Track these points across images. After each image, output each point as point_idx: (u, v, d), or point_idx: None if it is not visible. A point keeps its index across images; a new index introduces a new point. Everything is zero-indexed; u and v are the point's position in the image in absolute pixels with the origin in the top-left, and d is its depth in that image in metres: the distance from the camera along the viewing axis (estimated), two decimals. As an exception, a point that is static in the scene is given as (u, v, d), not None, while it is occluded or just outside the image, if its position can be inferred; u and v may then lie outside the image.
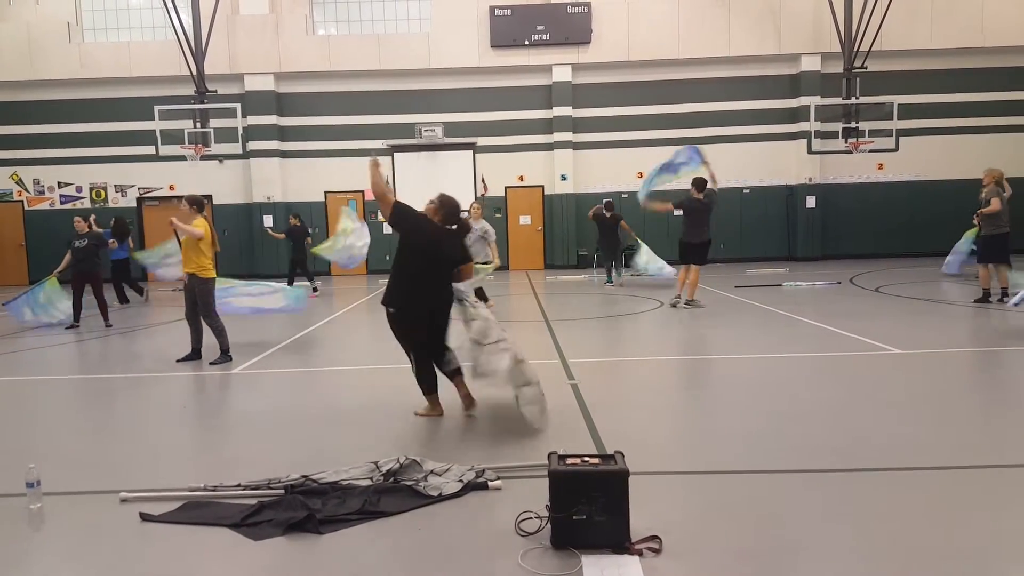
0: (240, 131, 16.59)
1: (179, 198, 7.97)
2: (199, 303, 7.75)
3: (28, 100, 19.18)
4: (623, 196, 19.33)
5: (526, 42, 18.73)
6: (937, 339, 8.19)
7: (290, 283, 14.76)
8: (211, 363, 7.68)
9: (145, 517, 3.66)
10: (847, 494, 3.77)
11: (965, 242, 12.84)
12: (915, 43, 18.56)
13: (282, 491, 3.88)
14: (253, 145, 18.54)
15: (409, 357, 5.37)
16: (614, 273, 14.84)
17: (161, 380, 7.12)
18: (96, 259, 11.40)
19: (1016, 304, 9.21)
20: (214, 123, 16.67)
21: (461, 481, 3.93)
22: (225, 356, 7.80)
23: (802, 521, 3.45)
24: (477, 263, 10.69)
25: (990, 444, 4.51)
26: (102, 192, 19.56)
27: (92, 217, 12.61)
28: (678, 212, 11.24)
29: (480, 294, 10.94)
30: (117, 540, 3.46)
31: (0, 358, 8.72)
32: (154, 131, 16.28)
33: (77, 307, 11.05)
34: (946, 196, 18.27)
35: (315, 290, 14.67)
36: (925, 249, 18.74)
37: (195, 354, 7.88)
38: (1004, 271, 10.26)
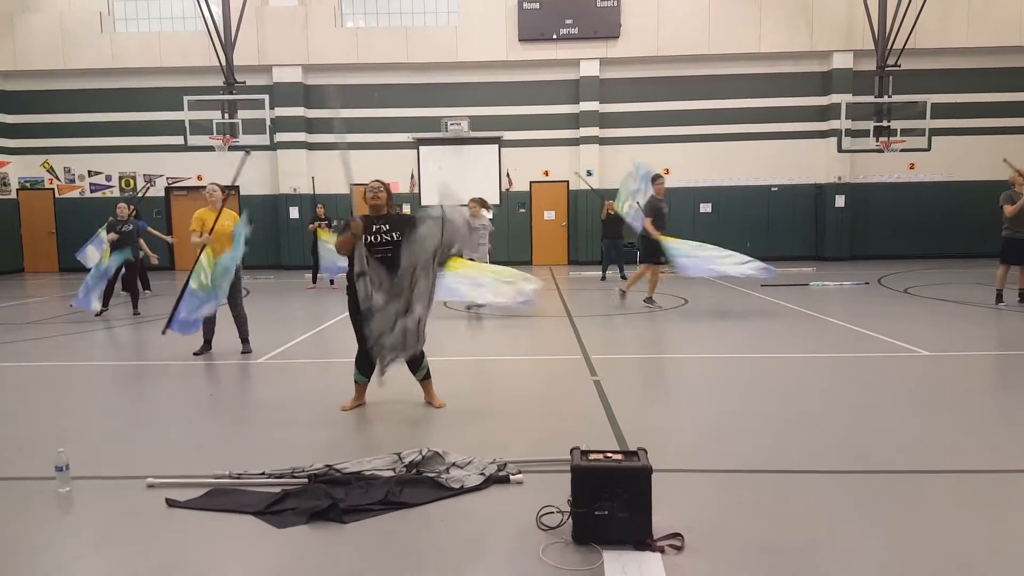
0: (268, 122, 16.70)
1: (207, 186, 8.00)
2: (233, 291, 7.78)
3: (60, 89, 19.44)
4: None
5: (554, 36, 18.65)
6: (967, 341, 8.06)
7: (314, 273, 14.85)
8: (242, 353, 7.75)
9: (171, 503, 3.71)
10: (872, 495, 3.72)
11: None
12: (950, 41, 18.23)
13: (306, 480, 3.91)
14: (280, 136, 18.67)
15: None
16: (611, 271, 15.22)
17: (187, 368, 7.20)
18: (137, 246, 11.55)
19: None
20: (242, 114, 16.80)
21: (483, 474, 3.93)
22: (248, 345, 7.88)
23: (826, 521, 3.42)
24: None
25: (1018, 448, 4.43)
26: (131, 181, 19.80)
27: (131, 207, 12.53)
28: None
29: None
30: (143, 525, 3.51)
31: (30, 344, 8.87)
32: (183, 121, 16.44)
33: (109, 292, 11.19)
34: (979, 197, 17.94)
35: (332, 282, 14.69)
36: (956, 251, 18.47)
37: (208, 346, 7.86)
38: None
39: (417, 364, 5.52)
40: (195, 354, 7.72)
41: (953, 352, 7.39)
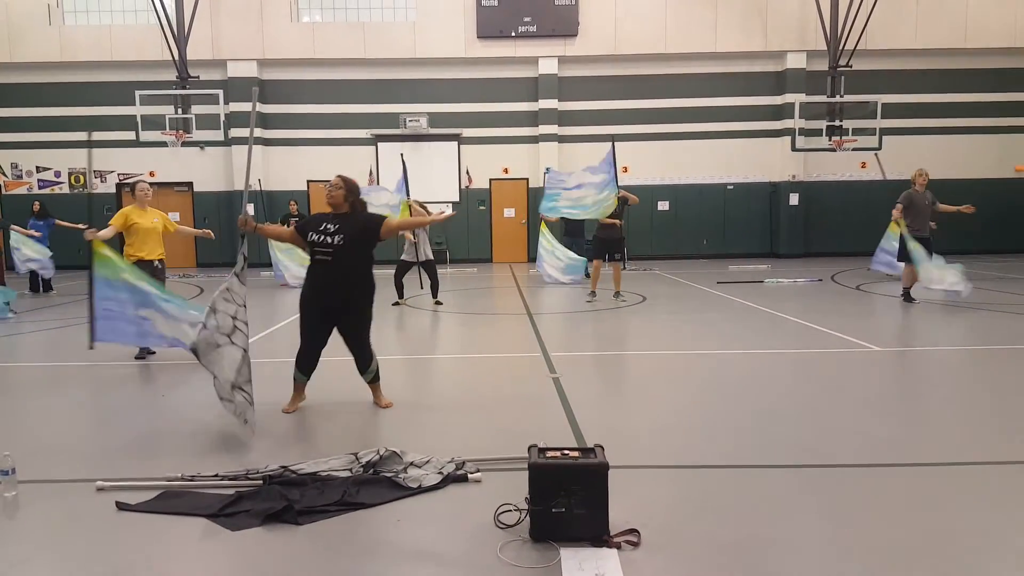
0: (222, 118, 16.43)
1: (137, 183, 7.79)
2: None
3: (6, 83, 18.88)
4: (607, 190, 19.34)
5: (512, 34, 18.67)
6: (916, 337, 8.29)
7: None
8: (136, 357, 7.39)
9: (121, 506, 3.62)
10: (825, 490, 3.80)
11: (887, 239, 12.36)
12: (900, 43, 18.70)
13: (260, 481, 3.85)
14: (235, 132, 18.37)
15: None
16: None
17: (131, 370, 7.04)
18: None
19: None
20: (196, 109, 16.50)
21: (441, 473, 3.92)
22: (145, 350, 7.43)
23: (780, 516, 3.48)
24: None
25: (965, 441, 4.56)
26: (81, 177, 19.31)
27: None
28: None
29: (434, 289, 11.03)
30: (93, 529, 3.43)
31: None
32: (135, 116, 16.10)
33: None
34: (927, 195, 18.42)
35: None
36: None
37: (150, 348, 7.39)
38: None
39: (365, 365, 5.41)
40: (137, 357, 7.40)
41: (903, 348, 7.58)
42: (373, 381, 5.49)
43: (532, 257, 19.76)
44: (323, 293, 5.22)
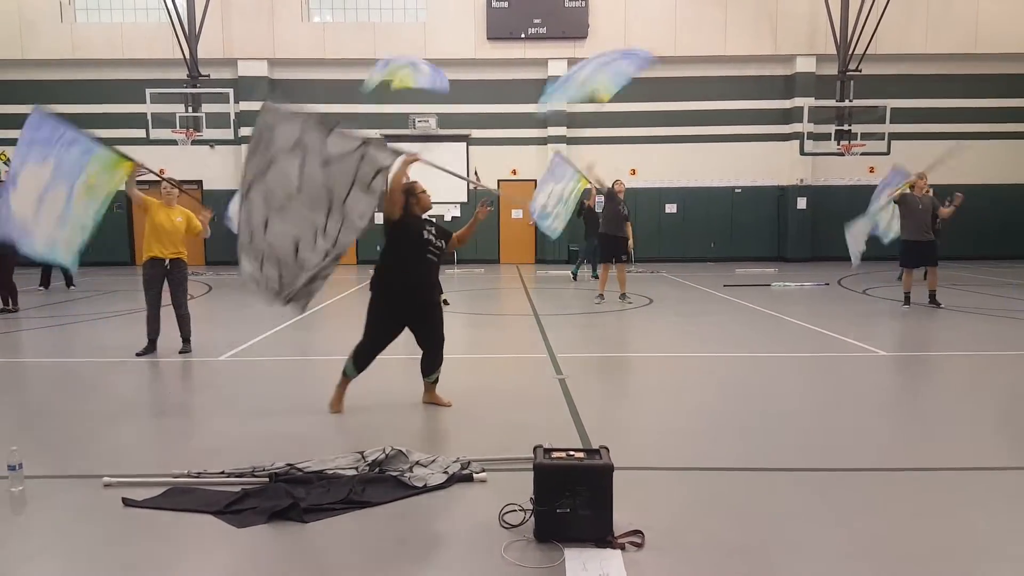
0: (232, 116, 16.50)
1: (169, 181, 7.78)
2: (179, 289, 7.57)
3: (18, 80, 18.98)
4: (615, 192, 19.32)
5: (522, 35, 18.67)
6: (921, 342, 8.26)
7: None
8: (180, 352, 7.47)
9: (128, 502, 3.64)
10: (830, 493, 3.79)
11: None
12: (910, 47, 18.62)
13: (267, 479, 3.87)
14: (245, 131, 18.41)
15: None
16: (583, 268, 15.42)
17: (142, 366, 7.07)
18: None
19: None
20: (206, 108, 16.58)
21: (446, 472, 3.93)
22: (188, 345, 7.61)
23: (785, 518, 3.47)
24: None
25: (971, 446, 4.54)
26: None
27: None
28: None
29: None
30: (99, 524, 3.45)
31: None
32: (145, 114, 16.17)
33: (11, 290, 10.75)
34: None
35: None
36: (913, 253, 18.82)
37: (152, 346, 7.51)
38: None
39: (439, 363, 5.51)
40: (138, 354, 7.37)
41: (909, 352, 7.55)
42: (436, 381, 5.57)
43: (539, 259, 19.83)
44: (420, 289, 5.39)
